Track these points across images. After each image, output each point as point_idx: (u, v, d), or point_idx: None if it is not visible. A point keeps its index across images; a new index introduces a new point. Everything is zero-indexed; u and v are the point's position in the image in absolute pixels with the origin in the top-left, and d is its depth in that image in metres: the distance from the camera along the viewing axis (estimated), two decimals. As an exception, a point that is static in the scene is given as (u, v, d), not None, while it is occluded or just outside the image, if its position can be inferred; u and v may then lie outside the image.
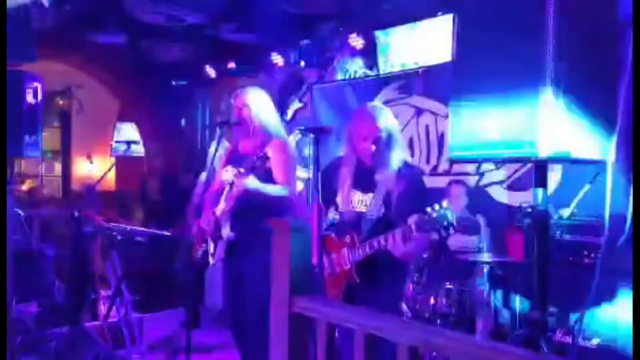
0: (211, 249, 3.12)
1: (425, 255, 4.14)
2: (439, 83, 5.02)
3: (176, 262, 5.42)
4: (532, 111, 1.61)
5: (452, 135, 1.86)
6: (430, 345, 1.46)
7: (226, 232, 3.03)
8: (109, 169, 4.98)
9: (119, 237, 4.12)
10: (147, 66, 7.33)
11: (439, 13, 4.93)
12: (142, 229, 5.17)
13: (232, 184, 2.96)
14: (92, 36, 6.40)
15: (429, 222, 2.39)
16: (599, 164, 1.74)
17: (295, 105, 6.27)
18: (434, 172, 5.17)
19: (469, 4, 1.87)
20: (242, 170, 2.86)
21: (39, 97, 3.46)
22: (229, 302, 3.20)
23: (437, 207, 2.40)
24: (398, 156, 2.75)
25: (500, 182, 4.74)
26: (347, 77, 5.84)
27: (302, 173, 4.76)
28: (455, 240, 4.39)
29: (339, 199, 2.83)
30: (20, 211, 4.53)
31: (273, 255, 1.84)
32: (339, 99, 5.69)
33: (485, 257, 4.20)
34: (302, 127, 2.97)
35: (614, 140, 1.64)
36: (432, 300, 4.02)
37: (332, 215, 2.87)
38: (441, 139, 5.18)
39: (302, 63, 6.15)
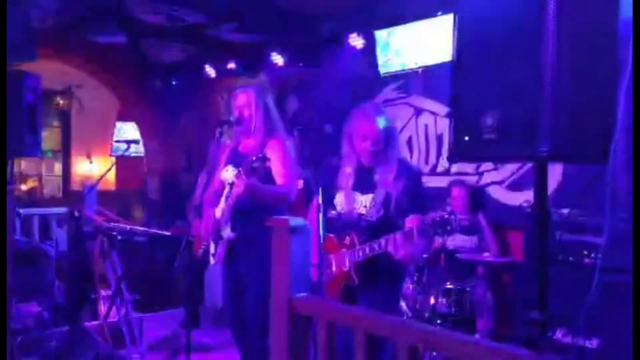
0: (212, 249, 3.12)
1: (425, 256, 4.14)
2: (439, 83, 5.02)
3: (176, 262, 5.41)
4: (532, 111, 1.61)
5: (451, 135, 1.86)
6: (430, 345, 1.46)
7: (226, 232, 3.03)
8: (109, 169, 4.98)
9: (118, 237, 4.12)
10: (147, 66, 7.33)
11: (439, 13, 4.93)
12: (142, 228, 5.16)
13: (232, 184, 2.96)
14: (93, 36, 6.40)
15: (432, 226, 2.39)
16: (599, 164, 1.74)
17: (295, 104, 6.27)
18: (433, 172, 5.18)
19: (468, 4, 1.87)
20: (240, 170, 2.86)
21: (39, 96, 3.46)
22: (229, 302, 3.20)
23: (439, 211, 2.40)
24: (397, 156, 2.75)
25: (499, 182, 4.74)
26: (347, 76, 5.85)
27: (301, 173, 4.76)
28: (455, 240, 4.39)
29: (338, 199, 2.82)
30: (20, 210, 4.53)
31: (273, 255, 1.85)
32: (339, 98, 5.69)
33: (485, 257, 4.20)
34: (301, 127, 2.97)
35: (613, 140, 1.64)
36: (432, 300, 4.03)
37: (332, 214, 2.88)
38: (440, 138, 5.18)
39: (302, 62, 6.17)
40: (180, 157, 8.16)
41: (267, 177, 2.97)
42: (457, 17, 1.87)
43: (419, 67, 5.26)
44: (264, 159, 2.81)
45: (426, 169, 5.18)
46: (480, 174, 4.83)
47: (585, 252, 3.49)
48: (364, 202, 2.73)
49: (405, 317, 3.93)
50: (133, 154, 7.83)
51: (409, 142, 5.36)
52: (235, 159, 3.11)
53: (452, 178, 4.84)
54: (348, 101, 5.55)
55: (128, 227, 4.40)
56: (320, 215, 2.64)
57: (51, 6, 5.15)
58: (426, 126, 5.32)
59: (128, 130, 8.06)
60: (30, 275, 4.27)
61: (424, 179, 2.91)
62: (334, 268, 2.74)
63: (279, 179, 2.98)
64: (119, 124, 8.22)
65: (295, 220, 1.83)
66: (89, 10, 5.70)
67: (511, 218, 4.51)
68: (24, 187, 7.96)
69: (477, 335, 3.92)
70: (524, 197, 4.45)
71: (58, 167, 8.76)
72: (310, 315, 1.78)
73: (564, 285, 2.81)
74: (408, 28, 5.27)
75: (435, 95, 5.18)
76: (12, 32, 3.29)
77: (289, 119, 6.11)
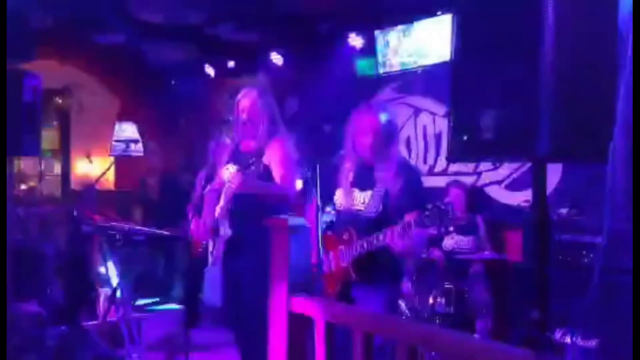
0: (211, 247, 3.12)
1: (424, 255, 4.14)
2: (438, 83, 5.02)
3: (175, 261, 5.42)
4: (530, 110, 1.61)
5: (450, 134, 1.86)
6: (430, 344, 1.46)
7: (224, 230, 3.03)
8: (108, 168, 4.97)
9: (117, 237, 4.12)
10: (146, 65, 7.33)
11: (438, 12, 4.93)
12: (141, 228, 5.16)
13: (231, 182, 2.97)
14: (93, 36, 6.40)
15: (428, 218, 2.40)
16: (598, 164, 1.74)
17: (294, 104, 6.27)
18: (431, 172, 5.18)
19: (467, 4, 1.87)
20: (237, 168, 2.87)
21: (38, 95, 3.45)
22: (228, 301, 3.20)
23: (436, 203, 2.41)
24: (397, 154, 2.77)
25: (498, 182, 4.74)
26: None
27: (301, 172, 4.76)
28: (453, 240, 4.40)
29: (338, 197, 2.83)
30: (19, 210, 4.53)
31: (272, 254, 1.85)
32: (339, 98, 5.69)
33: (485, 256, 4.20)
34: (300, 127, 2.97)
35: (613, 139, 1.64)
36: (431, 300, 4.03)
37: (330, 213, 2.88)
38: (439, 138, 5.18)
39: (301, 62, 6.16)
40: (179, 157, 8.16)
41: (267, 177, 2.97)
42: (455, 16, 1.87)
43: (417, 67, 5.26)
44: (260, 157, 2.82)
45: (424, 168, 5.18)
46: (479, 174, 4.83)
47: (584, 252, 3.49)
48: (362, 199, 2.74)
49: (404, 317, 3.93)
50: (132, 154, 7.83)
51: (408, 141, 5.37)
52: (236, 158, 3.11)
53: (450, 178, 4.84)
54: (347, 101, 5.55)
55: (127, 226, 4.40)
56: (319, 214, 2.64)
57: (51, 5, 5.15)
58: (425, 126, 5.32)
59: (127, 130, 8.05)
60: (29, 275, 4.26)
61: (422, 178, 2.92)
62: (332, 265, 2.74)
63: (278, 179, 2.99)
64: (118, 124, 8.21)
65: (294, 220, 1.83)
66: (89, 10, 5.70)
67: (510, 218, 4.52)
68: (22, 187, 7.95)
69: (476, 335, 3.92)
70: (523, 197, 4.45)
71: (57, 167, 8.74)
72: (308, 315, 1.78)
73: (563, 285, 2.81)
74: (407, 28, 5.28)
75: (434, 95, 5.18)
76: (12, 31, 3.28)
77: (288, 119, 6.10)
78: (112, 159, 7.72)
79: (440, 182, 4.85)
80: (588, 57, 1.63)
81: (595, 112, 1.64)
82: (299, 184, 3.13)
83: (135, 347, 4.03)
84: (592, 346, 3.23)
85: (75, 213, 4.17)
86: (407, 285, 4.11)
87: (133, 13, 5.72)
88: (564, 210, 3.65)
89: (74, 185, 8.47)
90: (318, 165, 2.62)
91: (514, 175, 4.61)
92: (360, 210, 2.73)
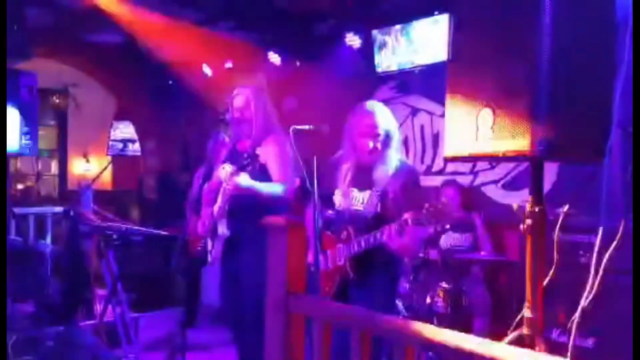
0: (209, 246, 3.12)
1: (421, 255, 4.14)
2: (435, 82, 5.02)
3: (172, 261, 5.41)
4: (527, 110, 1.61)
5: (447, 134, 1.86)
6: (427, 344, 1.46)
7: (222, 230, 3.03)
8: (105, 168, 4.96)
9: (115, 236, 4.11)
10: (144, 65, 7.31)
11: (435, 12, 4.93)
12: (139, 227, 5.15)
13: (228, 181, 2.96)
14: (90, 35, 6.39)
15: (425, 216, 2.41)
16: (595, 163, 1.74)
17: (292, 103, 6.26)
18: (428, 172, 5.18)
19: (464, 4, 1.87)
20: (232, 171, 2.87)
21: (35, 95, 3.45)
22: (226, 300, 3.20)
23: (433, 202, 2.42)
24: (395, 154, 2.77)
25: (495, 182, 4.74)
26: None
27: (299, 171, 4.76)
28: (449, 239, 4.40)
29: (336, 197, 2.83)
30: (15, 210, 4.52)
31: (269, 254, 1.84)
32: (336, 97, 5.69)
33: (482, 256, 4.20)
34: (299, 126, 2.97)
35: (610, 139, 1.64)
36: (428, 300, 4.03)
37: (329, 212, 2.88)
38: (436, 138, 5.18)
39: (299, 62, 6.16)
40: (177, 156, 8.15)
41: (263, 176, 2.97)
42: (452, 16, 1.87)
43: (415, 67, 5.26)
44: (255, 156, 2.82)
45: (422, 168, 5.18)
46: (476, 174, 4.84)
47: (581, 252, 3.49)
48: (360, 199, 2.74)
49: (401, 317, 3.94)
50: (130, 153, 7.82)
51: (405, 141, 5.37)
52: (233, 157, 3.11)
53: (448, 178, 4.85)
54: (345, 100, 5.55)
55: (124, 226, 4.39)
56: (317, 213, 2.64)
57: (48, 5, 5.14)
58: (422, 126, 5.32)
59: (125, 129, 8.04)
60: (26, 275, 4.26)
61: (420, 178, 2.92)
62: (329, 263, 2.75)
63: (275, 176, 2.99)
64: (115, 123, 8.19)
65: (291, 219, 1.83)
66: (87, 9, 5.69)
67: (507, 217, 4.52)
68: (19, 186, 7.93)
69: (473, 335, 3.92)
70: (520, 196, 4.46)
71: (54, 166, 8.73)
72: (306, 315, 1.78)
73: (560, 285, 2.81)
74: (404, 28, 5.28)
75: (431, 94, 5.19)
76: (8, 31, 3.28)
77: (286, 118, 6.10)
78: (109, 158, 7.72)
79: (437, 181, 4.85)
80: (585, 58, 1.63)
81: (592, 112, 1.64)
82: (295, 183, 3.13)
83: (133, 347, 4.03)
84: (589, 345, 3.24)
85: (72, 213, 4.16)
86: (404, 285, 4.11)
87: (130, 12, 5.71)
88: (560, 210, 3.65)
89: (71, 185, 8.46)
90: (316, 165, 2.61)
91: (511, 175, 4.62)
92: (359, 210, 2.74)
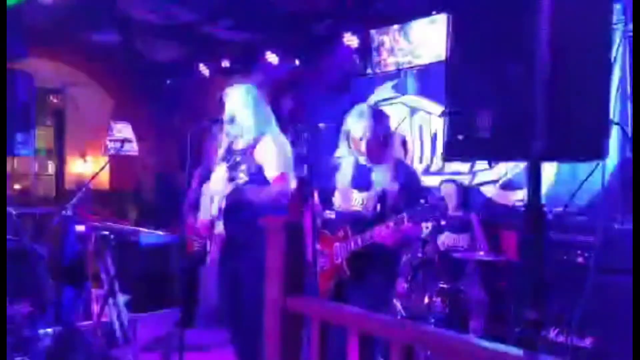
0: (208, 247, 3.11)
1: (419, 255, 4.14)
2: (433, 82, 5.02)
3: (170, 261, 5.40)
4: (526, 109, 1.61)
5: (446, 134, 1.86)
6: (425, 344, 1.45)
7: (219, 230, 3.02)
8: (102, 168, 4.95)
9: (112, 237, 4.10)
10: (141, 64, 7.30)
11: (433, 12, 4.93)
12: (136, 228, 5.13)
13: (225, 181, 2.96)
14: (87, 34, 6.38)
15: (421, 212, 2.42)
16: (593, 163, 1.74)
17: (290, 103, 6.26)
18: (427, 172, 5.18)
19: (463, 4, 1.87)
20: (227, 177, 2.87)
21: (32, 95, 3.44)
22: (225, 300, 3.19)
23: (428, 199, 2.45)
24: (394, 155, 2.78)
25: (493, 181, 4.74)
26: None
27: (296, 172, 4.76)
28: (447, 239, 4.40)
29: (336, 198, 2.84)
30: (12, 210, 4.50)
31: (267, 254, 1.84)
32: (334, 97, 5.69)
33: (480, 256, 4.20)
34: (296, 126, 2.97)
35: (607, 138, 1.64)
36: (426, 300, 4.03)
37: (327, 214, 2.88)
38: (434, 138, 5.18)
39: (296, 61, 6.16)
40: (174, 156, 8.14)
41: (259, 176, 2.95)
42: (451, 16, 1.86)
43: (413, 67, 5.26)
44: (249, 155, 2.81)
45: (420, 168, 5.18)
46: (474, 173, 4.84)
47: (579, 252, 3.49)
48: (360, 200, 2.75)
49: (399, 317, 3.93)
50: (127, 153, 7.81)
51: (404, 141, 5.36)
52: (229, 157, 3.10)
53: (445, 177, 4.85)
54: (343, 100, 5.56)
55: (122, 226, 4.38)
56: (315, 213, 2.65)
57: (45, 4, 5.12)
58: (420, 126, 5.32)
59: (122, 129, 8.02)
60: (22, 275, 4.24)
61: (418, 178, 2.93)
62: (326, 262, 2.75)
63: (270, 179, 2.96)
64: (113, 123, 8.18)
65: (289, 219, 1.83)
66: (84, 9, 5.68)
67: (505, 217, 4.52)
68: (16, 186, 7.91)
69: (470, 335, 3.92)
70: (518, 196, 4.46)
71: (51, 166, 8.71)
72: (303, 315, 1.77)
73: (557, 285, 2.81)
74: (402, 27, 5.28)
75: (429, 94, 5.19)
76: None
77: (283, 118, 6.09)
78: (106, 158, 7.71)
79: (436, 181, 4.85)
80: (583, 57, 1.63)
81: (590, 111, 1.64)
82: (292, 184, 3.12)
83: (130, 348, 4.01)
84: (586, 345, 3.25)
85: (69, 213, 4.14)
86: (402, 285, 4.11)
87: (128, 11, 5.70)
88: (558, 210, 3.65)
89: (68, 184, 8.44)
90: (314, 165, 2.62)
91: (509, 175, 4.62)
92: (358, 210, 2.75)
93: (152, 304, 4.90)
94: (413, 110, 5.38)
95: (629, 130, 3.19)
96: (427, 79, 5.16)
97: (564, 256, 3.56)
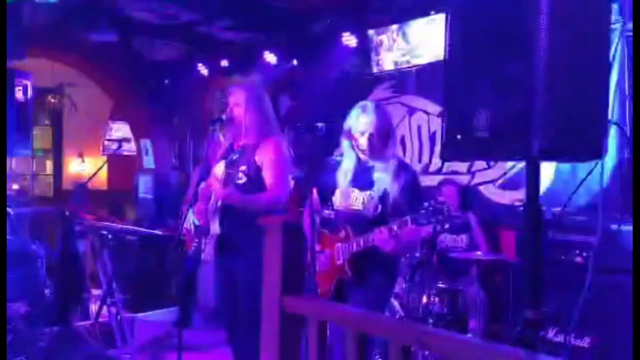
0: (202, 245, 3.10)
1: (417, 255, 4.14)
2: (432, 82, 5.02)
3: (167, 261, 5.40)
4: (524, 109, 1.61)
5: (444, 134, 1.86)
6: (423, 344, 1.45)
7: (215, 228, 3.01)
8: (100, 167, 4.95)
9: (110, 236, 4.10)
10: (140, 64, 7.30)
11: (432, 12, 4.93)
12: (134, 227, 5.13)
13: (223, 180, 2.95)
14: (85, 34, 6.36)
15: (424, 216, 2.42)
16: (592, 162, 1.74)
17: (288, 103, 6.26)
18: (425, 171, 5.18)
19: (461, 3, 1.86)
20: (224, 178, 2.86)
21: (29, 95, 3.43)
22: (222, 300, 3.18)
23: (432, 202, 2.44)
24: (394, 155, 2.78)
25: (492, 181, 4.74)
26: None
27: (294, 172, 4.75)
28: (445, 239, 4.40)
29: (337, 197, 2.83)
30: (10, 210, 4.50)
31: (265, 254, 1.83)
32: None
33: (478, 256, 4.20)
34: (294, 126, 2.96)
35: (606, 138, 1.64)
36: (424, 300, 4.02)
37: (327, 213, 2.88)
38: (433, 137, 5.18)
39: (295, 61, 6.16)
40: (172, 156, 8.14)
41: (257, 179, 2.93)
42: (449, 15, 1.86)
43: (411, 66, 5.26)
44: (249, 156, 2.80)
45: (419, 168, 5.18)
46: (473, 173, 4.84)
47: (577, 252, 3.50)
48: (360, 199, 2.74)
49: (397, 317, 3.93)
50: (125, 153, 7.80)
51: (402, 141, 5.36)
52: (229, 156, 3.09)
53: (444, 177, 4.85)
54: (341, 100, 5.55)
55: (119, 226, 4.38)
56: (314, 213, 2.64)
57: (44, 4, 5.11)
58: (419, 125, 5.32)
59: (120, 129, 8.02)
60: (20, 275, 4.24)
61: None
62: (327, 263, 2.74)
63: (268, 183, 2.93)
64: (111, 123, 8.17)
65: (287, 219, 1.82)
66: (82, 8, 5.67)
67: (504, 217, 4.52)
68: (14, 186, 7.89)
69: (469, 335, 3.92)
70: (516, 196, 4.46)
71: (49, 166, 8.69)
72: (301, 315, 1.77)
73: (556, 285, 2.81)
74: (401, 27, 5.28)
75: (428, 94, 5.19)
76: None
77: (282, 118, 6.10)
78: (104, 158, 7.70)
79: (434, 181, 4.85)
80: (581, 57, 1.62)
81: (588, 111, 1.64)
82: (289, 189, 3.09)
83: (127, 348, 4.01)
84: (585, 345, 3.25)
85: (67, 213, 4.14)
86: (401, 285, 4.11)
87: (126, 11, 5.69)
88: (556, 209, 3.65)
89: (66, 184, 8.42)
90: (313, 165, 2.61)
91: (508, 175, 4.62)
92: (359, 210, 2.74)
93: (150, 304, 4.89)
94: (411, 110, 5.37)
95: (628, 130, 3.20)
96: (425, 79, 5.15)
97: (562, 256, 3.56)
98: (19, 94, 3.34)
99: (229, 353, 3.24)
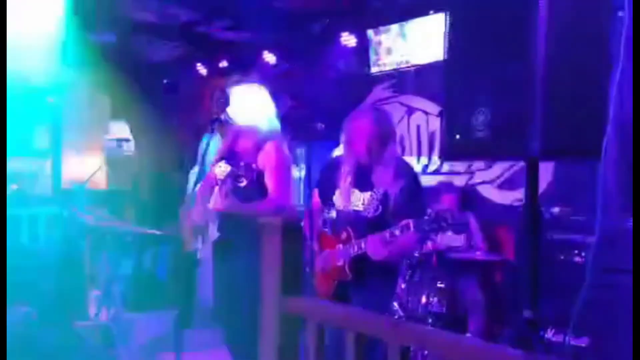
0: (200, 246, 3.09)
1: (416, 255, 4.14)
2: (431, 82, 5.02)
3: (167, 261, 5.39)
4: (523, 109, 1.61)
5: (443, 133, 1.86)
6: (422, 345, 1.45)
7: (214, 228, 3.00)
8: (99, 167, 4.94)
9: (109, 237, 4.09)
10: (138, 64, 7.29)
11: (431, 12, 4.93)
12: (133, 228, 5.12)
13: (223, 181, 2.94)
14: (85, 34, 6.36)
15: (427, 223, 2.41)
16: (591, 162, 1.74)
17: (287, 103, 6.25)
18: (424, 171, 5.18)
19: (460, 3, 1.86)
20: (228, 167, 2.85)
21: (28, 94, 3.43)
22: (220, 301, 3.18)
23: (436, 210, 2.43)
24: (395, 156, 2.78)
25: (491, 181, 4.74)
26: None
27: (296, 172, 4.76)
28: (444, 238, 4.39)
29: (337, 197, 2.82)
30: (9, 210, 4.50)
31: (263, 255, 1.83)
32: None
33: (477, 256, 4.20)
34: (293, 126, 2.95)
35: (605, 137, 1.64)
36: (423, 300, 4.02)
37: (328, 213, 2.87)
38: (432, 138, 5.18)
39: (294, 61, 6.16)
40: (171, 156, 8.12)
41: (259, 184, 2.91)
42: (448, 15, 1.86)
43: (410, 66, 5.26)
44: (251, 168, 2.79)
45: (418, 168, 5.18)
46: (472, 173, 4.84)
47: (576, 251, 3.50)
48: (361, 200, 2.73)
49: (396, 317, 3.93)
50: (124, 153, 7.80)
51: (401, 141, 5.36)
52: (229, 156, 3.08)
53: (443, 177, 4.85)
54: (340, 100, 5.55)
55: (118, 226, 4.37)
56: (314, 213, 2.63)
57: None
58: (418, 125, 5.32)
59: (119, 128, 8.02)
60: (20, 275, 4.23)
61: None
62: (327, 264, 2.74)
63: (270, 188, 2.91)
64: (110, 123, 8.17)
65: (287, 220, 1.82)
66: (82, 8, 5.66)
67: (502, 217, 4.52)
68: (13, 186, 7.88)
69: (468, 335, 3.92)
70: (515, 196, 4.46)
71: (48, 166, 8.69)
72: (300, 316, 1.77)
73: (555, 284, 2.81)
74: (400, 27, 5.28)
75: (427, 94, 5.19)
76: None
77: (282, 118, 6.08)
78: (104, 158, 7.70)
79: (433, 181, 4.85)
80: (580, 57, 1.62)
81: (587, 111, 1.64)
82: (291, 195, 3.08)
83: (127, 348, 4.01)
84: (583, 344, 3.24)
85: (66, 213, 4.14)
86: (400, 285, 4.11)
87: (125, 11, 5.69)
88: (555, 209, 3.65)
89: (65, 185, 8.42)
90: (313, 165, 2.61)
91: (507, 175, 4.62)
92: (359, 210, 2.73)
93: (150, 304, 4.89)
94: (410, 110, 5.37)
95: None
96: (424, 79, 5.15)
97: (561, 255, 3.56)
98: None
99: (227, 353, 3.24)
